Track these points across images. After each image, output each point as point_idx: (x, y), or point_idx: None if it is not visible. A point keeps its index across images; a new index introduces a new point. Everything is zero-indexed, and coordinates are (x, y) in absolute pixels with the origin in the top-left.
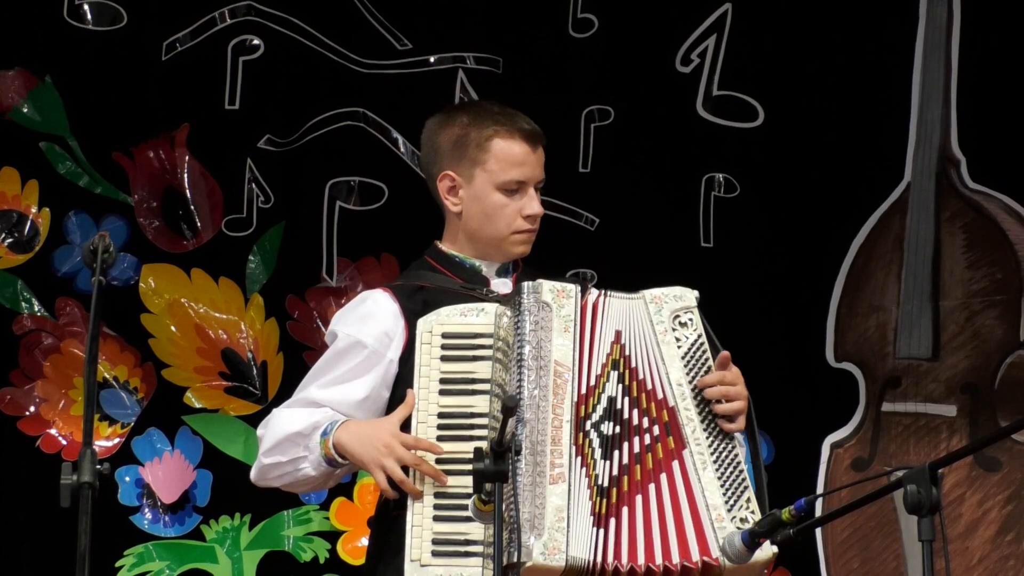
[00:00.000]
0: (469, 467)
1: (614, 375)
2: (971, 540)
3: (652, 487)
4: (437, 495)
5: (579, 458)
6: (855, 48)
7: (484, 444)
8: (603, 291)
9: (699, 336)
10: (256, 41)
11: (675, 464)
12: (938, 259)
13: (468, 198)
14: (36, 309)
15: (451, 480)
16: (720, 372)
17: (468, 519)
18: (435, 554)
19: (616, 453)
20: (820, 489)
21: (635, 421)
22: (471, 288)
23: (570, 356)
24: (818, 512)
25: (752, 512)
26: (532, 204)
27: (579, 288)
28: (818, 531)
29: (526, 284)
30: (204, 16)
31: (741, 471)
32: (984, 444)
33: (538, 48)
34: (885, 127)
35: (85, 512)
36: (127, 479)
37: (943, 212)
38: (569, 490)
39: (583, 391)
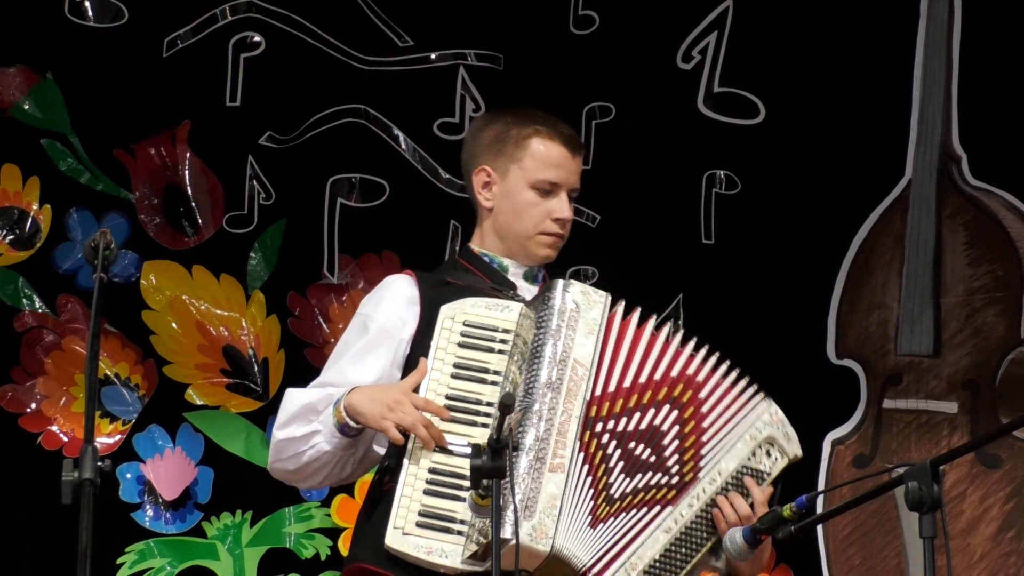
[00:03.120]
0: (468, 451)
1: (672, 412)
2: (972, 537)
3: (637, 514)
4: (431, 470)
5: (582, 454)
6: (856, 45)
7: (482, 441)
8: (727, 363)
9: (768, 474)
10: (257, 38)
11: (657, 508)
12: (939, 256)
13: (500, 194)
14: (37, 306)
15: (447, 460)
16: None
17: (458, 498)
18: (419, 525)
19: (639, 476)
20: (821, 486)
21: (670, 460)
22: (498, 290)
23: (590, 357)
24: (819, 509)
25: None
26: (562, 207)
27: (609, 296)
28: (819, 528)
29: (558, 281)
30: (205, 13)
31: (685, 563)
32: (985, 441)
33: (539, 45)
34: (886, 124)
35: (86, 509)
36: (128, 476)
37: (944, 209)
38: (566, 481)
39: (598, 393)
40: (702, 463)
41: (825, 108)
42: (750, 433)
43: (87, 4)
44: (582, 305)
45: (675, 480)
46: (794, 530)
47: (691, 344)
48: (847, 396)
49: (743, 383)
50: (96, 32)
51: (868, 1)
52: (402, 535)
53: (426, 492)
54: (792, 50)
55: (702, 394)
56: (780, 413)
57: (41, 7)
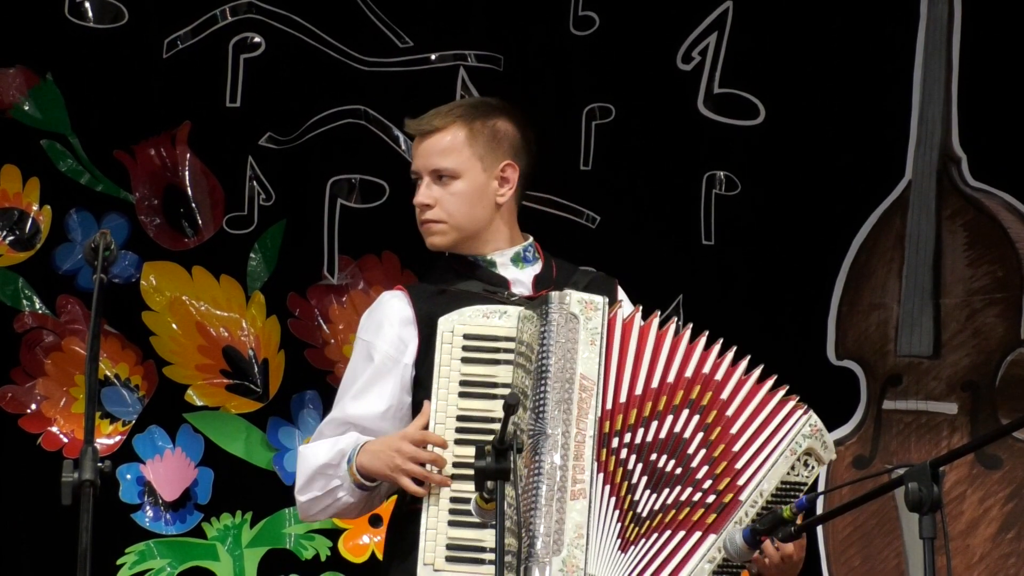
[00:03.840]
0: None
1: (692, 417)
2: (972, 538)
3: (674, 537)
4: (453, 500)
5: (601, 475)
6: (856, 46)
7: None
8: (742, 356)
9: (805, 484)
10: (257, 39)
11: (698, 534)
12: (939, 257)
13: None
14: (37, 307)
15: (466, 487)
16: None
17: (485, 525)
18: (449, 559)
19: (666, 490)
20: (821, 486)
21: (699, 472)
22: (493, 292)
23: (595, 370)
24: (819, 510)
25: None
26: (417, 195)
27: (606, 299)
28: (819, 528)
29: (554, 294)
30: (205, 14)
31: None
32: (985, 442)
33: (539, 46)
34: (886, 125)
35: (86, 510)
36: (128, 477)
37: (944, 210)
38: (589, 507)
39: (608, 407)
40: (740, 482)
41: (825, 108)
42: (791, 448)
43: (87, 5)
44: (581, 315)
45: (711, 499)
46: (794, 530)
47: (702, 340)
48: (847, 397)
49: (770, 382)
50: (96, 33)
51: (868, 2)
52: (433, 571)
53: (451, 524)
54: (792, 51)
55: (724, 395)
56: (819, 422)
57: (41, 7)
